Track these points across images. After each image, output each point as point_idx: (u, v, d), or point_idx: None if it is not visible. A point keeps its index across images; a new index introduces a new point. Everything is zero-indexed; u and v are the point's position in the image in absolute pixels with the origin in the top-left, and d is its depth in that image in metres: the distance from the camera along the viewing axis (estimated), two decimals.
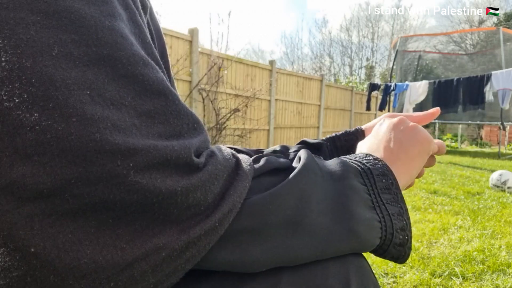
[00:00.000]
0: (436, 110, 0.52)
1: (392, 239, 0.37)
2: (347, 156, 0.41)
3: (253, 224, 0.29)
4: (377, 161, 0.39)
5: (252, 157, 0.35)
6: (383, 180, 0.37)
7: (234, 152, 0.33)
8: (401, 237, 0.37)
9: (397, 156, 0.42)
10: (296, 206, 0.31)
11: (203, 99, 5.21)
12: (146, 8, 0.34)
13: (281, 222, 0.30)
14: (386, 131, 0.45)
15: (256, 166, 0.33)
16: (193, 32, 5.08)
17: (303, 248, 0.31)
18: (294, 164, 0.37)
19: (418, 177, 0.48)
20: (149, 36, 0.31)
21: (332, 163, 0.37)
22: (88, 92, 0.24)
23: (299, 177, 0.32)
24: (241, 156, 0.33)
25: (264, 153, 0.48)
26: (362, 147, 0.46)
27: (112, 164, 0.23)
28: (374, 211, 0.35)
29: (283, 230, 0.30)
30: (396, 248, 0.37)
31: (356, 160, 0.39)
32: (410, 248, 0.38)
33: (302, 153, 0.37)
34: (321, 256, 0.33)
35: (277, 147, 0.51)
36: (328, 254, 0.33)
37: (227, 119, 5.36)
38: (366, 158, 0.39)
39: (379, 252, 0.38)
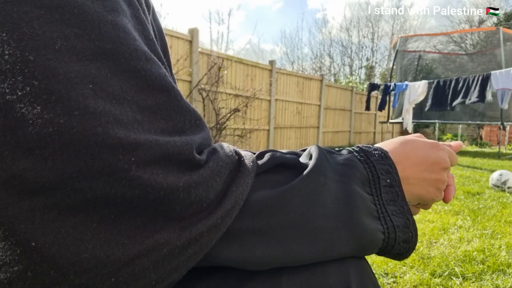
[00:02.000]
0: (459, 144, 0.48)
1: (390, 250, 0.37)
2: (367, 148, 0.39)
3: (256, 225, 0.29)
4: (390, 168, 0.37)
5: (256, 153, 0.35)
6: (389, 192, 0.37)
7: (236, 149, 0.33)
8: (401, 249, 0.37)
9: (414, 172, 0.40)
10: (301, 209, 0.31)
11: (203, 99, 5.21)
12: (149, 7, 0.34)
13: (284, 224, 0.30)
14: (414, 142, 0.42)
15: (259, 162, 0.33)
16: (193, 32, 5.08)
17: (305, 250, 0.31)
18: (303, 159, 0.36)
19: (425, 208, 0.44)
20: (152, 33, 0.30)
21: (344, 162, 0.36)
22: (90, 86, 0.23)
23: (307, 180, 0.32)
24: (243, 153, 0.33)
25: None
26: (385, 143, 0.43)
27: (114, 159, 0.23)
28: (379, 222, 0.35)
29: (286, 233, 0.30)
30: (392, 255, 0.38)
31: (370, 160, 0.37)
32: (409, 254, 0.38)
33: (314, 150, 0.36)
34: (322, 258, 0.33)
35: (285, 151, 0.50)
36: (329, 257, 0.33)
37: (227, 119, 5.36)
38: (381, 162, 0.37)
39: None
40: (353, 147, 0.40)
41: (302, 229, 0.31)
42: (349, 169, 0.36)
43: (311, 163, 0.34)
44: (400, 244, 0.36)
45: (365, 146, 0.39)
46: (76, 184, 0.22)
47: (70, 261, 0.22)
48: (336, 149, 0.46)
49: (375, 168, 0.37)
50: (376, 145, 0.42)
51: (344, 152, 0.39)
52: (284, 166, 0.34)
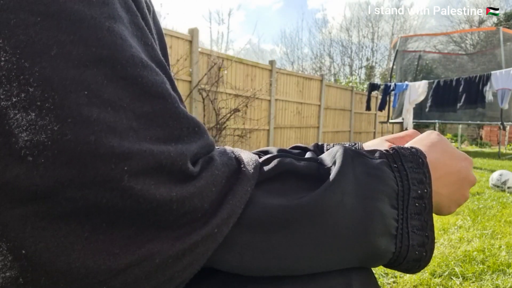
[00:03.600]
0: None
1: (397, 266, 0.35)
2: (403, 151, 0.36)
3: (257, 240, 0.29)
4: (424, 178, 0.35)
5: (262, 158, 0.34)
6: (417, 204, 0.34)
7: (238, 155, 0.32)
8: (409, 266, 0.35)
9: (445, 179, 0.38)
10: (308, 230, 0.30)
11: (203, 99, 5.21)
12: (149, 10, 0.33)
13: (288, 243, 0.29)
14: (447, 146, 0.40)
15: (265, 168, 0.32)
16: (193, 32, 5.08)
17: (308, 266, 0.31)
18: (326, 160, 0.35)
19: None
20: (151, 38, 0.30)
21: (372, 172, 0.33)
22: (85, 93, 0.23)
23: (321, 198, 0.30)
24: (246, 159, 0.32)
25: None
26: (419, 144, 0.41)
27: (106, 168, 0.23)
28: (393, 241, 0.33)
29: (289, 251, 0.30)
30: (399, 270, 0.36)
31: (404, 167, 0.35)
32: (418, 271, 0.36)
33: (339, 156, 0.34)
34: (325, 270, 0.33)
35: (310, 147, 0.47)
36: (332, 269, 0.33)
37: (227, 119, 5.36)
38: (416, 170, 0.35)
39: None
40: (387, 149, 0.37)
41: (307, 249, 0.30)
42: (375, 181, 0.33)
43: (330, 176, 0.32)
44: (409, 263, 0.35)
45: (401, 148, 0.37)
46: (68, 192, 0.22)
47: (61, 270, 0.22)
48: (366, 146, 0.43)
49: (408, 178, 0.34)
50: (412, 144, 0.40)
51: (376, 155, 0.36)
52: (293, 174, 0.33)
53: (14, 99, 0.22)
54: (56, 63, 0.23)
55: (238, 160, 0.31)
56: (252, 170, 0.30)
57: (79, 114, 0.23)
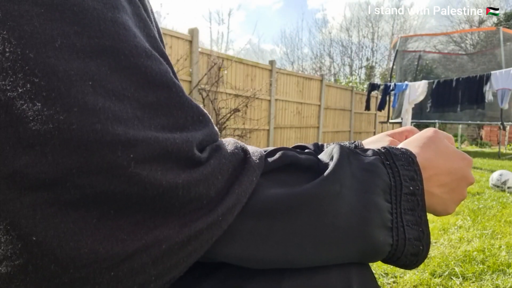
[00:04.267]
0: None
1: (395, 260, 0.36)
2: (394, 150, 0.37)
3: (260, 226, 0.29)
4: (415, 175, 0.36)
5: (267, 151, 0.35)
6: (409, 200, 0.35)
7: (244, 145, 0.33)
8: (407, 261, 0.36)
9: (438, 176, 0.38)
10: (308, 217, 0.30)
11: (203, 99, 5.21)
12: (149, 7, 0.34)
13: (289, 230, 0.30)
14: (439, 142, 0.40)
15: (270, 159, 0.33)
16: (193, 32, 5.08)
17: (308, 257, 0.31)
18: (323, 158, 0.35)
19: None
20: (153, 30, 0.30)
21: (367, 167, 0.35)
22: (90, 83, 0.24)
23: (320, 188, 0.31)
24: (251, 150, 0.32)
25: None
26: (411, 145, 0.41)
27: (113, 155, 0.23)
28: (390, 233, 0.34)
29: (290, 238, 0.30)
30: (398, 265, 0.37)
31: (395, 165, 0.36)
32: (417, 266, 0.37)
33: (336, 151, 0.35)
34: (325, 264, 0.33)
35: (310, 146, 0.48)
36: (331, 263, 0.33)
37: (227, 119, 5.36)
38: (407, 168, 0.36)
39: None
40: (379, 148, 0.38)
41: (308, 237, 0.30)
42: (370, 176, 0.34)
43: (328, 168, 0.33)
44: (407, 257, 0.35)
45: (392, 148, 0.38)
46: (76, 180, 0.23)
47: (70, 255, 0.23)
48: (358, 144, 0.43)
49: (399, 174, 0.35)
50: (403, 145, 0.40)
51: (369, 153, 0.37)
52: (296, 166, 0.34)
53: (20, 90, 0.22)
54: (60, 54, 0.23)
55: (244, 150, 0.32)
56: (257, 161, 0.31)
57: (84, 103, 0.23)
